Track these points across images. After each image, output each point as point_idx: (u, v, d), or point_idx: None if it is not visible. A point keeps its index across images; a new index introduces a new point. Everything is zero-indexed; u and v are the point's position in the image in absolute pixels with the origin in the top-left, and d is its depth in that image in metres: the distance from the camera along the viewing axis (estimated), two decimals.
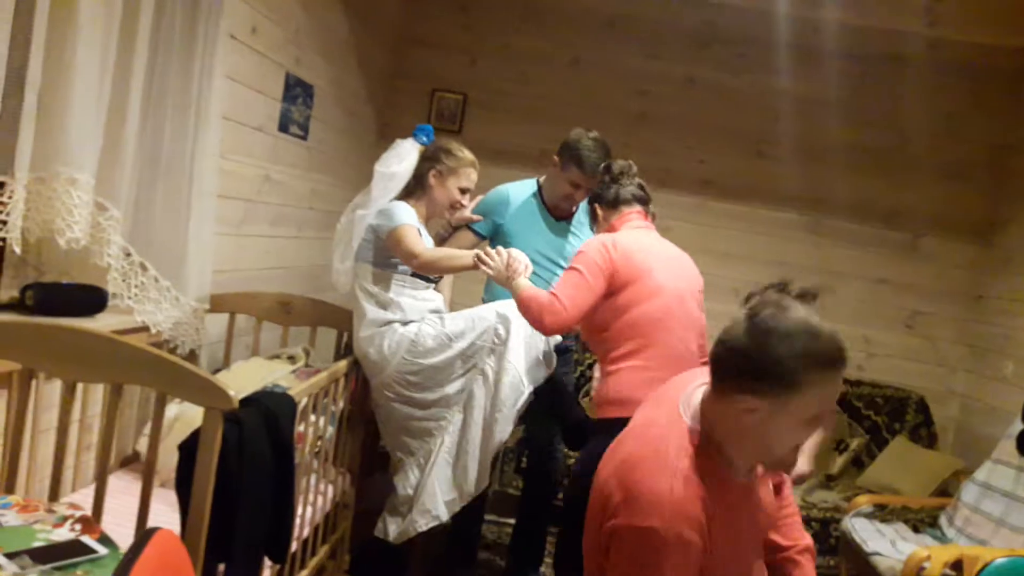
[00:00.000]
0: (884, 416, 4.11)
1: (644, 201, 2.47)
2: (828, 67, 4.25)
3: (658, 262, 2.31)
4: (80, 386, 2.05)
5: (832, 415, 1.29)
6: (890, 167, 4.30)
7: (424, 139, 2.80)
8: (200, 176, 2.48)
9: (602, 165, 2.58)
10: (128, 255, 2.31)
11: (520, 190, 3.02)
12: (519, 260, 2.31)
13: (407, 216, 2.57)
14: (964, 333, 4.28)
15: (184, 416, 2.25)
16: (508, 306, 2.53)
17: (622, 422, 2.14)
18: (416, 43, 4.56)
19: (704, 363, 2.17)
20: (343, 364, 2.47)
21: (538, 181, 3.06)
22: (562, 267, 2.81)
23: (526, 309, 2.23)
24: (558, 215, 2.98)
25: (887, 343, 4.34)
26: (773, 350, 1.25)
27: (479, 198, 2.99)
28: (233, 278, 2.96)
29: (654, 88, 4.42)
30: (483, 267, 2.34)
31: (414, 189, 2.73)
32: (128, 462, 2.44)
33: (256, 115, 3.02)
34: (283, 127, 3.27)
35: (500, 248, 2.38)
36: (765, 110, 4.35)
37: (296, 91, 3.32)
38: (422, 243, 2.54)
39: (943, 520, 3.23)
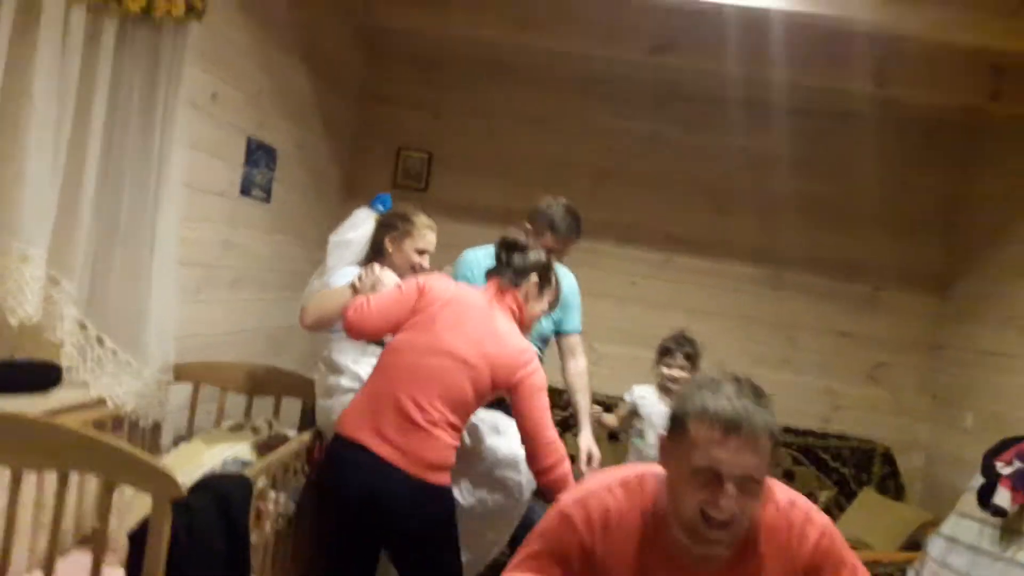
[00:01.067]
0: (851, 468, 4.12)
1: (505, 277, 2.37)
2: (785, 124, 4.34)
3: (450, 314, 2.23)
4: None
5: (726, 495, 1.35)
6: (848, 221, 4.38)
7: (380, 207, 2.81)
8: (161, 245, 2.47)
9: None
10: (84, 328, 2.27)
11: (488, 253, 3.04)
12: (383, 282, 2.38)
13: (336, 280, 2.55)
14: (926, 383, 4.33)
15: None
16: (488, 418, 2.51)
17: (337, 438, 2.15)
18: (381, 102, 4.60)
19: (428, 426, 2.09)
20: (305, 436, 2.43)
21: None
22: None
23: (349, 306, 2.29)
24: None
25: (851, 395, 4.38)
26: (682, 396, 1.46)
27: (448, 267, 3.00)
28: (192, 344, 2.92)
29: (619, 145, 4.49)
30: (357, 285, 2.39)
31: (373, 257, 2.70)
32: (89, 540, 2.36)
33: (217, 181, 3.01)
34: (245, 190, 3.26)
35: (375, 266, 2.46)
36: (727, 167, 4.42)
37: (258, 154, 3.32)
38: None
39: (911, 575, 3.23)
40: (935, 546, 3.19)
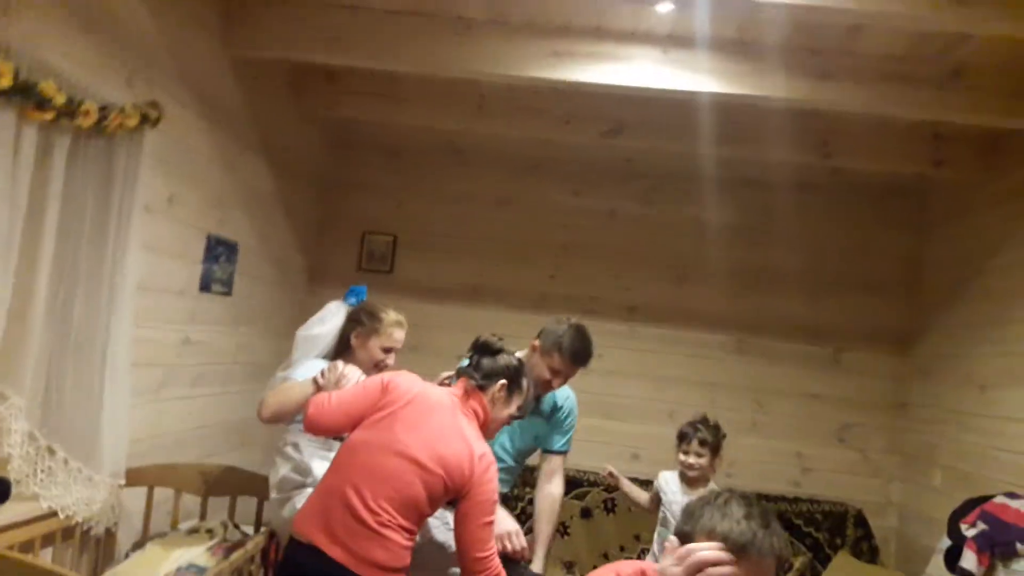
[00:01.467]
0: (824, 532, 4.10)
1: (473, 379, 2.30)
2: (738, 196, 4.48)
3: (411, 413, 2.17)
4: None
5: None
6: (807, 285, 4.46)
7: (352, 300, 2.80)
8: (115, 350, 2.47)
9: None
10: (34, 439, 2.27)
11: None
12: (348, 378, 2.33)
13: (299, 373, 2.53)
14: (894, 442, 4.35)
15: None
16: (441, 514, 2.45)
17: (292, 539, 2.10)
18: (344, 188, 4.68)
19: (378, 527, 2.02)
20: (260, 538, 2.41)
21: None
22: (510, 453, 2.81)
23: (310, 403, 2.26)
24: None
25: (821, 457, 4.39)
26: (689, 512, 1.47)
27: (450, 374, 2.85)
28: (153, 446, 2.91)
29: (578, 222, 4.59)
30: (321, 382, 2.34)
31: (341, 350, 2.71)
32: None
33: (175, 280, 3.04)
34: (205, 286, 3.28)
35: (339, 363, 2.40)
36: (683, 237, 4.53)
37: (219, 250, 3.36)
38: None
39: None
40: None
